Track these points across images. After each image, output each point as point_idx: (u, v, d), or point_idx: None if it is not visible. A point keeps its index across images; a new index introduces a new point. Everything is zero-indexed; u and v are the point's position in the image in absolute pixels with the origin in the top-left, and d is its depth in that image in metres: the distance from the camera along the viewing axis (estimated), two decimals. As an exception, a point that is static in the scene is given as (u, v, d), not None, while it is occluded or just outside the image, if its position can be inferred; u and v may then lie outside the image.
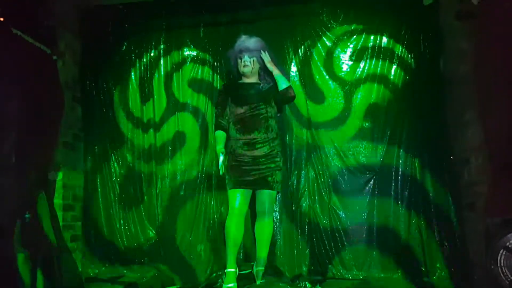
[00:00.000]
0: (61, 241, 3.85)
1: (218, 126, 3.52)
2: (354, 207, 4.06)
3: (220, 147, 3.41)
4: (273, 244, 3.99)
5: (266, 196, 3.41)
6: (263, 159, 3.37)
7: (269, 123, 3.44)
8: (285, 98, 3.48)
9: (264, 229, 3.46)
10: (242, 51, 3.48)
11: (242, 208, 3.32)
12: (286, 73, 3.63)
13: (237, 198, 3.31)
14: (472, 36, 3.65)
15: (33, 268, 3.36)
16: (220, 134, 3.49)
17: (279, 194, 3.79)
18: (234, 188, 3.34)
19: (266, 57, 3.50)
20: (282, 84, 3.43)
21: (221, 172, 3.35)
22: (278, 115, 3.63)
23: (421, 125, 4.03)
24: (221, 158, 3.33)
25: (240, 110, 3.43)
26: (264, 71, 3.55)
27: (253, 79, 3.56)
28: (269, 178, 3.38)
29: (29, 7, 3.76)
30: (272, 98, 3.48)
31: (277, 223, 4.08)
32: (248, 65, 3.48)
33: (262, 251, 3.47)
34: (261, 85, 3.52)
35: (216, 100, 3.73)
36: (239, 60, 3.52)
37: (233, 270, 3.29)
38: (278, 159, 3.46)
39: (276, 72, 3.47)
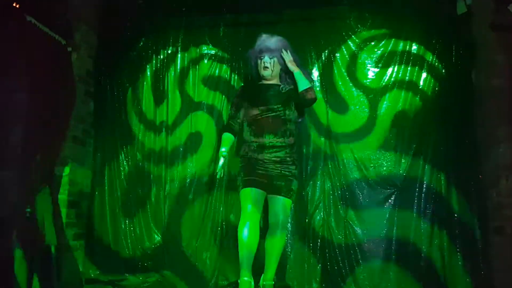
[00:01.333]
0: (62, 238, 3.73)
1: (227, 128, 3.34)
2: (372, 223, 3.83)
3: (223, 149, 3.21)
4: (283, 257, 3.78)
5: (280, 205, 3.14)
6: (278, 165, 3.14)
7: (287, 127, 3.21)
8: (305, 100, 3.20)
9: (275, 244, 3.15)
10: (263, 51, 3.27)
11: (256, 210, 3.07)
12: (308, 75, 3.40)
13: (250, 199, 3.06)
14: (507, 49, 3.43)
15: (30, 267, 3.22)
16: (227, 136, 3.29)
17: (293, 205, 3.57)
18: (246, 187, 3.10)
19: (287, 56, 3.27)
20: (302, 85, 3.17)
21: (218, 176, 3.21)
22: (299, 120, 3.39)
23: (450, 139, 3.80)
24: (221, 161, 3.17)
25: (257, 111, 3.22)
26: (285, 72, 3.32)
27: (273, 81, 3.33)
28: (283, 184, 3.13)
29: (46, -4, 3.66)
30: (292, 101, 3.25)
31: (288, 235, 3.87)
32: (268, 67, 3.26)
33: (271, 266, 3.18)
34: (281, 87, 3.29)
35: (232, 100, 3.53)
36: (259, 61, 3.31)
37: (247, 279, 3.01)
38: (293, 167, 3.21)
39: (297, 72, 3.22)
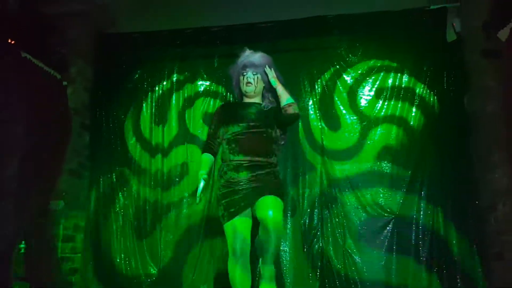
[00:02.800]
0: (58, 274, 3.68)
1: (206, 148, 3.07)
2: (371, 252, 3.80)
3: (202, 172, 2.96)
4: (281, 286, 3.75)
5: (268, 200, 2.75)
6: (260, 179, 2.82)
7: (268, 147, 2.94)
8: (287, 115, 2.96)
9: (271, 237, 2.65)
10: (246, 66, 3.05)
11: (244, 247, 2.78)
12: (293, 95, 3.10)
13: (237, 236, 2.78)
14: (499, 74, 3.47)
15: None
16: (206, 158, 3.03)
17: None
18: (230, 221, 2.81)
19: (270, 72, 3.06)
20: (285, 100, 2.96)
21: (197, 200, 2.91)
22: (282, 142, 3.09)
23: (445, 167, 3.82)
24: (201, 185, 2.89)
25: (237, 129, 2.95)
26: (268, 91, 3.11)
27: (255, 99, 3.11)
28: (269, 187, 2.80)
29: (42, 32, 3.71)
30: (275, 120, 3.01)
31: (287, 264, 3.83)
32: (251, 83, 3.04)
33: (265, 262, 2.69)
34: (263, 105, 3.08)
35: (211, 118, 3.24)
36: (241, 77, 3.09)
37: None
38: (277, 180, 2.89)
39: (279, 88, 3.00)
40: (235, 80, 3.15)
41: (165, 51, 4.45)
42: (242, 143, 2.92)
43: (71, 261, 3.97)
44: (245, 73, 3.06)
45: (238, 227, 2.81)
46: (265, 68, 3.06)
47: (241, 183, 2.85)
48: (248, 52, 3.09)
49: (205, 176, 2.96)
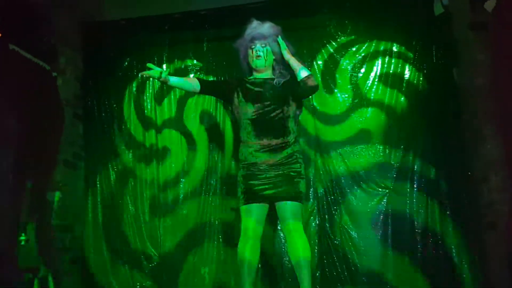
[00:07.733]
0: (58, 265, 3.70)
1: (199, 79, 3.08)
2: (367, 227, 3.87)
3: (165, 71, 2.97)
4: (280, 265, 3.82)
5: (288, 208, 2.82)
6: (281, 167, 2.85)
7: (286, 126, 2.92)
8: (306, 88, 2.89)
9: (299, 254, 2.74)
10: (255, 38, 2.95)
11: (257, 229, 2.84)
12: (303, 63, 3.06)
13: (251, 217, 2.84)
14: (488, 47, 3.49)
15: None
16: (192, 79, 3.09)
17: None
18: (247, 204, 2.86)
19: (282, 43, 2.96)
20: (302, 73, 2.87)
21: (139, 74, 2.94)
22: (298, 113, 3.06)
23: (437, 139, 3.86)
24: (152, 72, 2.82)
25: (252, 111, 2.92)
26: (278, 64, 3.02)
27: (266, 74, 3.03)
28: (290, 188, 2.83)
29: (29, 22, 3.66)
30: (290, 95, 2.95)
31: (286, 244, 3.89)
32: (260, 56, 2.95)
33: (303, 283, 2.73)
34: (275, 81, 2.98)
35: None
36: (249, 51, 3.00)
37: None
38: (298, 165, 2.90)
39: (292, 59, 2.92)
40: (243, 54, 3.06)
41: (153, 37, 4.41)
42: (259, 127, 2.92)
43: (71, 250, 4.00)
44: (253, 46, 2.98)
45: (254, 211, 2.87)
46: (278, 39, 2.97)
47: (261, 168, 2.87)
48: (255, 23, 2.98)
49: (166, 74, 2.84)
